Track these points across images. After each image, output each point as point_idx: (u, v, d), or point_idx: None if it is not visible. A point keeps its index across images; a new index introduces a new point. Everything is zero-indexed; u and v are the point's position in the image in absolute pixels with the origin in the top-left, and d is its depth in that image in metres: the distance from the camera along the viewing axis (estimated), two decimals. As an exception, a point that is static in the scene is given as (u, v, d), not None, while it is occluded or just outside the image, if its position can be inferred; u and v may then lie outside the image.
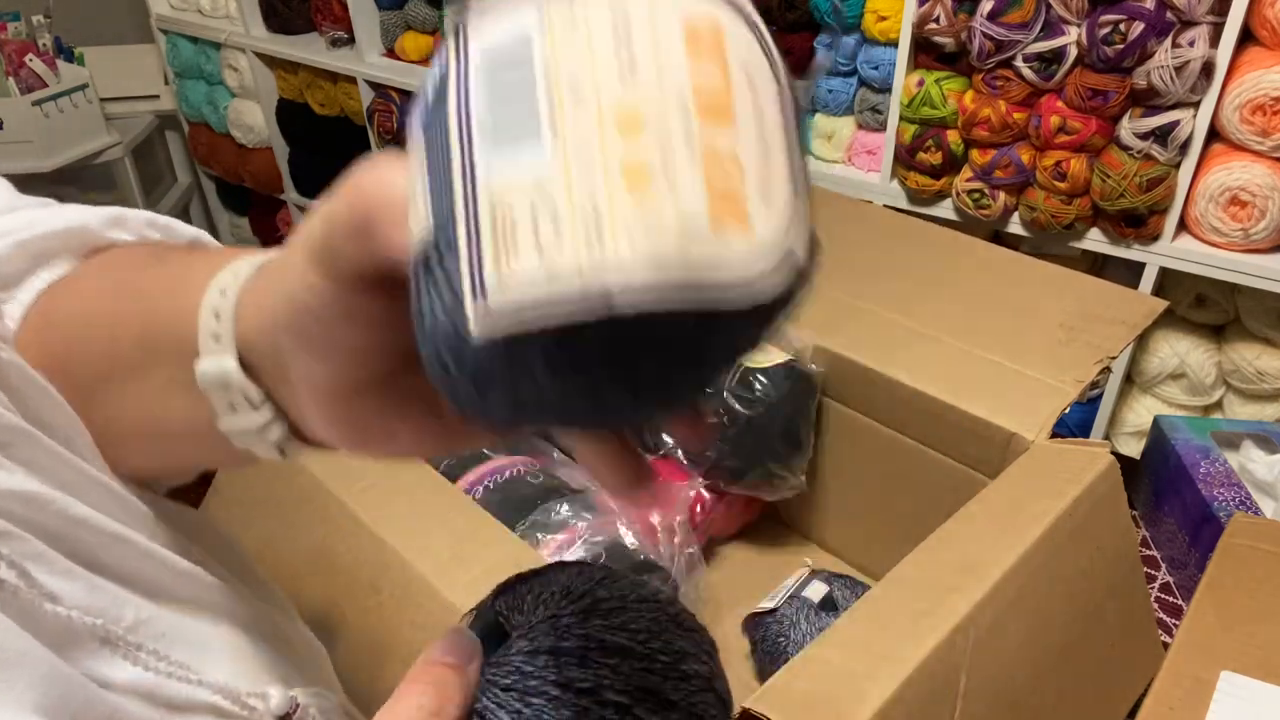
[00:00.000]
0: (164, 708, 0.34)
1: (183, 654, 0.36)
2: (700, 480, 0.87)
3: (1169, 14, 1.15)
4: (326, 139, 2.19)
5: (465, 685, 0.29)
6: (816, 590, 0.78)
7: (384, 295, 0.25)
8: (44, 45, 2.08)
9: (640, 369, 0.20)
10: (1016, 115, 1.29)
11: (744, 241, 0.18)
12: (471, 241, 0.18)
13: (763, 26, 0.20)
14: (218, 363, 0.30)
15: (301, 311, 0.26)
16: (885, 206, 1.42)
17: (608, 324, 0.18)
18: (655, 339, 0.19)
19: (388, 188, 0.23)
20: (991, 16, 1.23)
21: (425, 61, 1.99)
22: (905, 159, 1.42)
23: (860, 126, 1.50)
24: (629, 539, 0.75)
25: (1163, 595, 0.89)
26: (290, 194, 2.38)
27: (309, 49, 2.09)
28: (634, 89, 0.18)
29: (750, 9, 0.20)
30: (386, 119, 1.97)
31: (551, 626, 0.30)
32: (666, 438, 0.88)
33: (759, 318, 0.20)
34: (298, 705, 0.41)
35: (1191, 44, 1.14)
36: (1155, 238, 1.29)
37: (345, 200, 0.24)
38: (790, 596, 0.78)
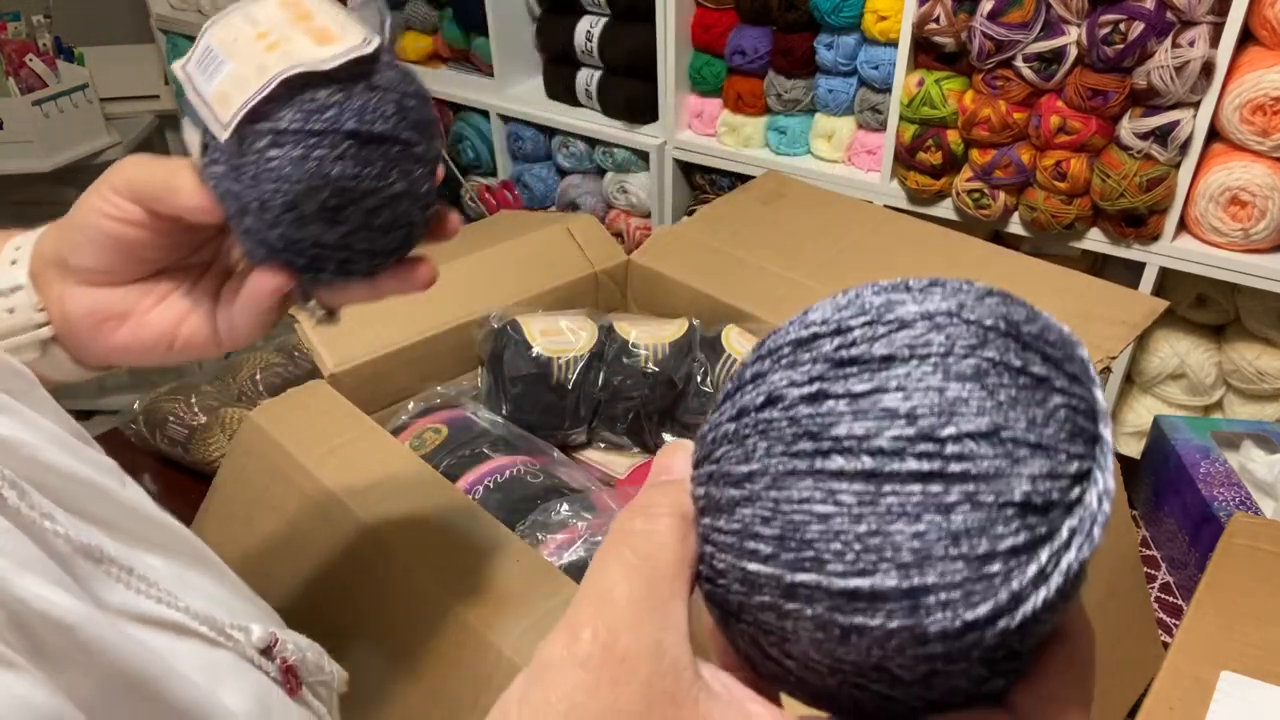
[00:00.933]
0: (154, 628, 0.37)
1: (167, 585, 0.38)
2: (700, 480, 0.87)
3: (1169, 14, 1.15)
4: (326, 139, 2.19)
5: None
6: (816, 590, 0.78)
7: (155, 220, 0.40)
8: (44, 45, 2.08)
9: (322, 128, 0.36)
10: (1016, 115, 1.29)
11: (336, 44, 0.37)
12: (213, 118, 0.37)
13: None
14: (14, 276, 0.42)
15: (102, 225, 0.40)
16: (885, 206, 1.42)
17: (281, 97, 0.36)
18: (310, 106, 0.36)
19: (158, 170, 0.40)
20: (991, 16, 1.23)
21: (426, 61, 1.99)
22: (905, 159, 1.42)
23: (860, 126, 1.50)
24: (629, 539, 0.75)
25: (1163, 595, 0.89)
26: (290, 194, 2.38)
27: (309, 49, 2.09)
28: (258, 24, 0.38)
29: None
30: (386, 119, 1.97)
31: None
32: (667, 437, 0.88)
33: (350, 80, 0.37)
34: (277, 639, 0.43)
35: (1191, 44, 1.14)
36: (1155, 238, 1.29)
37: (148, 172, 0.40)
38: (790, 596, 0.78)
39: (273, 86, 0.35)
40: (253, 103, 0.35)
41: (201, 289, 0.45)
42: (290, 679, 0.44)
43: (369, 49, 0.37)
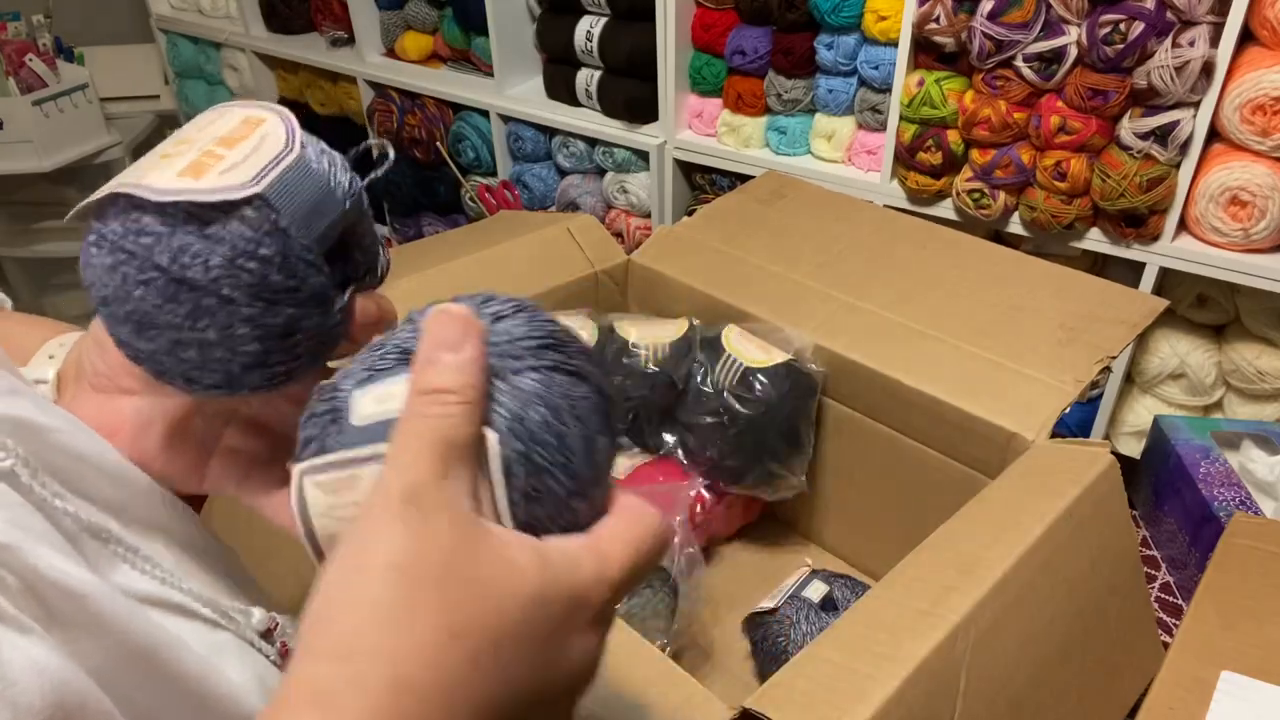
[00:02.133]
0: (158, 608, 0.38)
1: (170, 568, 0.39)
2: (700, 480, 0.87)
3: (1169, 14, 1.15)
4: (326, 139, 2.16)
5: None
6: (816, 590, 0.78)
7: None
8: (44, 45, 2.08)
9: (180, 263, 0.36)
10: (1016, 115, 1.29)
11: (187, 183, 0.35)
12: None
13: (297, 135, 0.39)
14: (44, 370, 0.42)
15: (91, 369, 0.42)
16: (885, 206, 1.42)
17: (116, 208, 0.36)
18: (133, 227, 0.36)
19: None
20: (991, 16, 1.23)
21: (425, 61, 1.99)
22: (905, 159, 1.42)
23: (860, 126, 1.50)
24: (629, 539, 0.75)
25: (1163, 595, 0.89)
26: (290, 194, 2.38)
27: (309, 49, 2.09)
28: (198, 134, 0.38)
29: (291, 122, 0.39)
30: (386, 119, 1.97)
31: None
32: (667, 437, 0.88)
33: (183, 219, 0.36)
34: (276, 623, 0.45)
35: (1191, 44, 1.14)
36: (1155, 238, 1.29)
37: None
38: (790, 596, 0.78)
39: (102, 195, 0.36)
40: (89, 200, 0.37)
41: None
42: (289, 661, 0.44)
43: (220, 197, 0.35)
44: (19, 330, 0.46)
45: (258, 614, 0.44)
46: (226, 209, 0.36)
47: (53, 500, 0.34)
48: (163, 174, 0.36)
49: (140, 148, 2.37)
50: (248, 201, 0.36)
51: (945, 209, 1.44)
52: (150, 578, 0.38)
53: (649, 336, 0.86)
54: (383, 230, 2.20)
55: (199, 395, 0.39)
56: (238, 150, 0.37)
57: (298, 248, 0.37)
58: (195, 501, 0.45)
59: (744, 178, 1.59)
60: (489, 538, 0.29)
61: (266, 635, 0.44)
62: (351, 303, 0.41)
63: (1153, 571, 0.92)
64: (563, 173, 1.84)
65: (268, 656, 0.44)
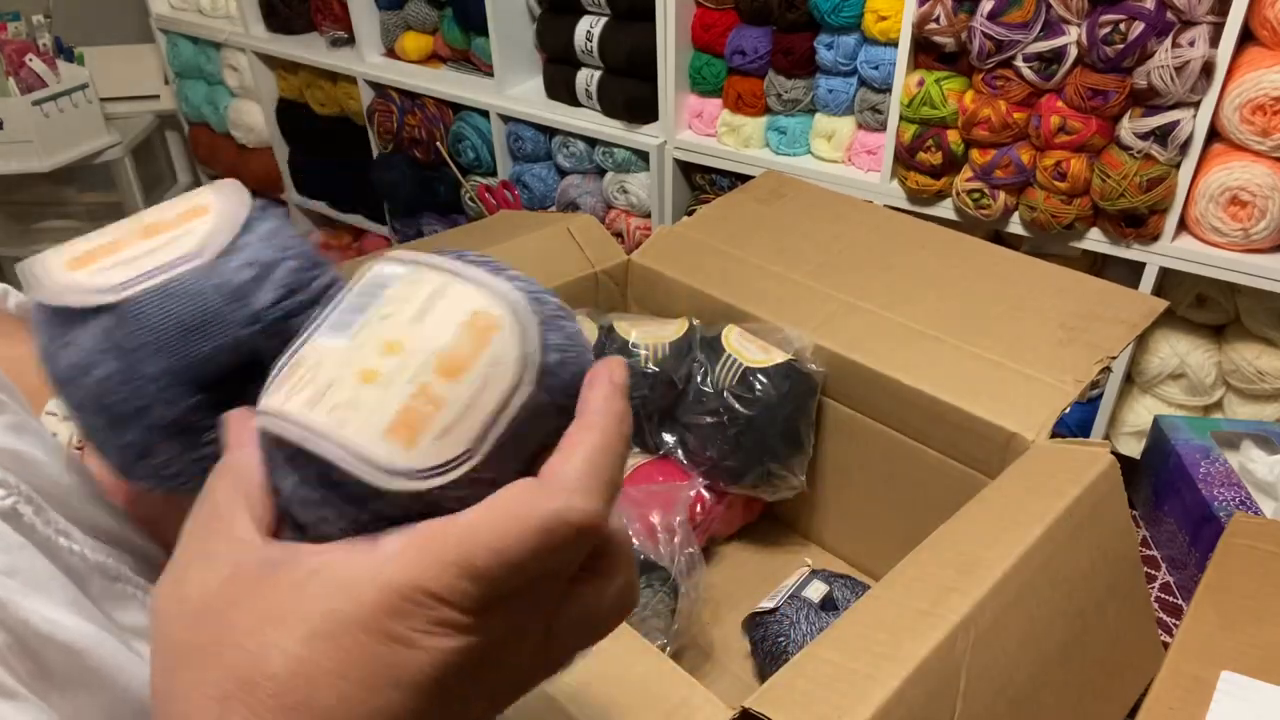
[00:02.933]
0: None
1: None
2: (700, 480, 0.87)
3: (1169, 14, 1.15)
4: (326, 139, 2.19)
5: None
6: (816, 590, 0.78)
7: None
8: (44, 45, 2.08)
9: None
10: (1016, 115, 1.29)
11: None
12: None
13: (219, 239, 0.32)
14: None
15: None
16: (885, 206, 1.42)
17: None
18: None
19: None
20: (991, 16, 1.23)
21: (425, 61, 1.99)
22: (905, 159, 1.42)
23: (860, 126, 1.50)
24: (629, 539, 0.75)
25: (1163, 595, 0.89)
26: (290, 194, 2.38)
27: (309, 49, 2.09)
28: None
29: (227, 220, 0.33)
30: (386, 119, 1.97)
31: None
32: (667, 437, 0.88)
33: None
34: None
35: (1191, 44, 1.14)
36: (1155, 238, 1.29)
37: None
38: (790, 596, 0.78)
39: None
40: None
41: None
42: None
43: (72, 301, 0.31)
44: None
45: None
46: (82, 314, 0.31)
47: (57, 539, 0.33)
48: (56, 258, 0.32)
49: (140, 148, 2.37)
50: (98, 311, 0.31)
51: (945, 209, 1.44)
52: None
53: (649, 336, 0.86)
54: (382, 230, 2.20)
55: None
56: (147, 243, 0.32)
57: (147, 372, 0.31)
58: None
59: (744, 178, 1.59)
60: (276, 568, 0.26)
61: None
62: None
63: (1153, 571, 0.92)
64: (563, 173, 1.84)
65: None
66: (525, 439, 0.28)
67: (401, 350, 0.27)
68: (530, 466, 0.28)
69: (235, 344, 0.32)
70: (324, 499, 0.27)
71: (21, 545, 0.31)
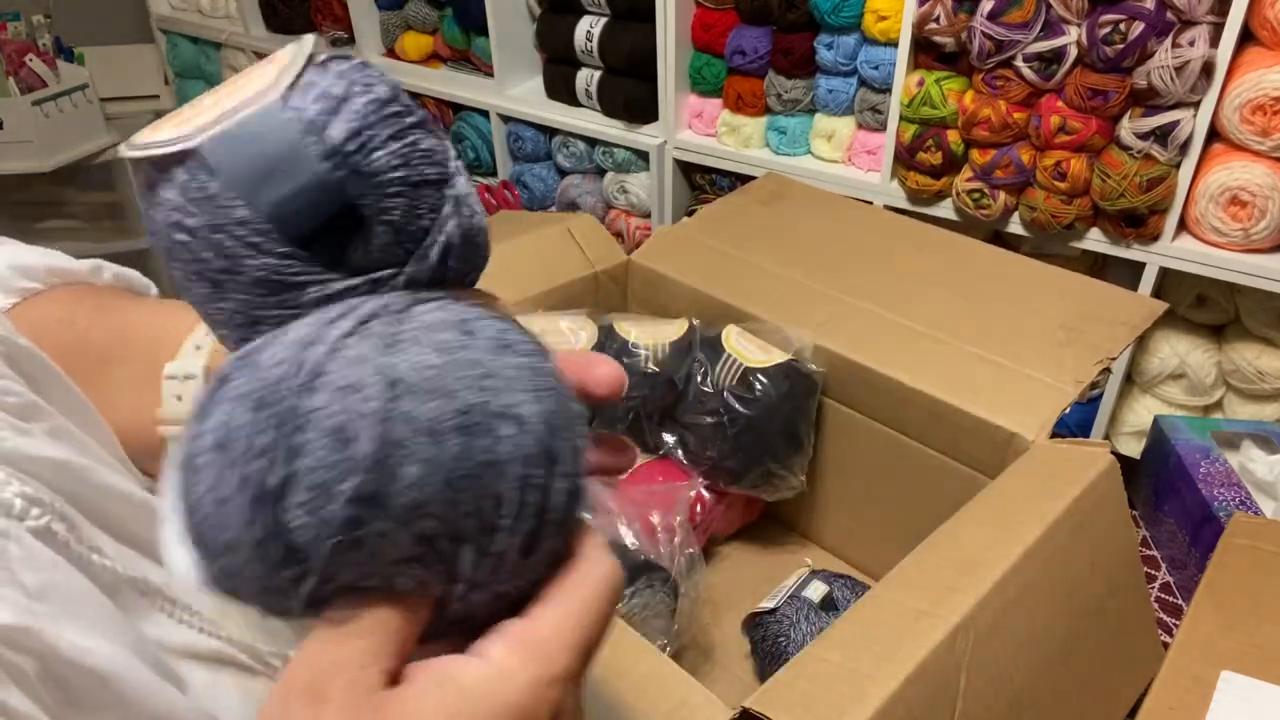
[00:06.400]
0: (196, 660, 0.37)
1: (210, 614, 0.38)
2: (700, 480, 0.87)
3: (1169, 14, 1.15)
4: (326, 139, 2.19)
5: None
6: (816, 590, 0.78)
7: None
8: (44, 45, 2.08)
9: None
10: (1016, 115, 1.29)
11: (155, 133, 0.30)
12: None
13: (288, 76, 0.31)
14: (192, 363, 0.41)
15: None
16: (885, 206, 1.42)
17: None
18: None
19: None
20: (991, 16, 1.23)
21: (425, 61, 1.99)
22: (905, 159, 1.42)
23: (860, 126, 1.50)
24: (629, 539, 0.75)
25: (1163, 595, 0.89)
26: (290, 194, 2.38)
27: (309, 49, 2.09)
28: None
29: (297, 59, 0.31)
30: (386, 119, 1.97)
31: None
32: (667, 437, 0.88)
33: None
34: None
35: (1191, 44, 1.14)
36: (1155, 238, 1.29)
37: None
38: (790, 596, 0.78)
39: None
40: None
41: None
42: None
43: (148, 153, 0.30)
44: (160, 319, 0.44)
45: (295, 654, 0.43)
46: (161, 167, 0.30)
47: (90, 556, 0.33)
48: (151, 127, 0.31)
49: (140, 148, 2.37)
50: (178, 159, 0.29)
51: (945, 209, 1.44)
52: (188, 627, 0.37)
53: (649, 336, 0.86)
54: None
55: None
56: (225, 95, 0.31)
57: (231, 219, 0.29)
58: None
59: (744, 178, 1.59)
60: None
61: None
62: (377, 290, 0.32)
63: (1153, 571, 0.92)
64: (563, 173, 1.84)
65: None
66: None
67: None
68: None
69: (320, 184, 0.30)
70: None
71: (54, 563, 0.31)
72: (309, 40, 0.32)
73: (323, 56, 0.32)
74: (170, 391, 0.41)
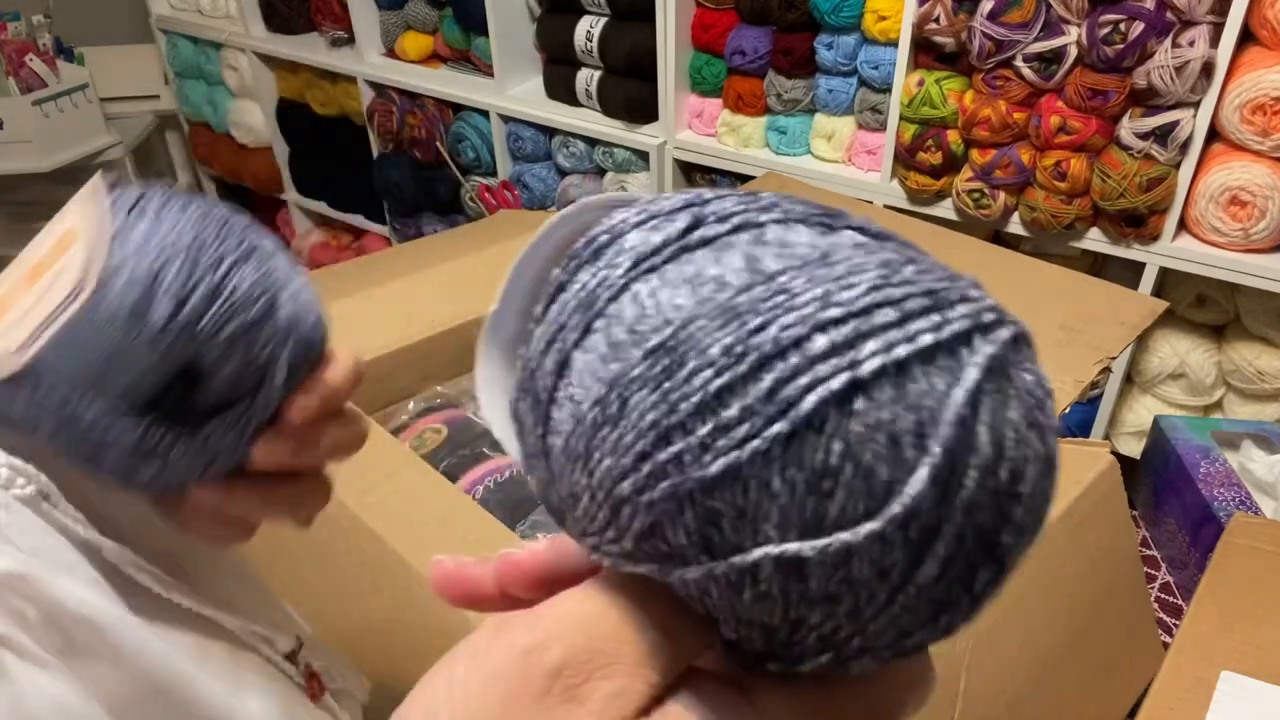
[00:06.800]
0: (185, 628, 0.37)
1: (196, 586, 0.39)
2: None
3: (1169, 14, 1.15)
4: (326, 139, 2.19)
5: None
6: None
7: None
8: (44, 45, 2.08)
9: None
10: (1016, 115, 1.29)
11: None
12: None
13: (95, 265, 0.30)
14: None
15: None
16: (885, 206, 1.42)
17: None
18: None
19: None
20: (991, 16, 1.23)
21: (425, 61, 1.99)
22: (905, 159, 1.42)
23: (860, 126, 1.50)
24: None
25: (1163, 595, 0.89)
26: (290, 194, 2.38)
27: (309, 49, 2.09)
28: (36, 249, 0.33)
29: (98, 238, 0.31)
30: (386, 119, 1.97)
31: None
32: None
33: None
34: (301, 644, 0.44)
35: (1191, 44, 1.14)
36: (1155, 238, 1.29)
37: None
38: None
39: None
40: None
41: None
42: (313, 684, 0.45)
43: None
44: None
45: (282, 637, 0.43)
46: (5, 384, 0.31)
47: (75, 527, 0.34)
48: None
49: (140, 148, 2.37)
50: (15, 379, 0.31)
51: (945, 209, 1.44)
52: (178, 593, 0.38)
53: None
54: (382, 230, 2.20)
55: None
56: (33, 292, 0.31)
57: (88, 417, 0.31)
58: None
59: (744, 178, 1.59)
60: None
61: (291, 657, 0.44)
62: (237, 428, 0.34)
63: (1153, 571, 0.92)
64: (563, 173, 1.84)
65: (292, 678, 0.43)
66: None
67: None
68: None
69: (156, 362, 0.31)
70: None
71: (45, 529, 0.32)
72: (103, 200, 0.32)
73: (123, 213, 0.32)
74: None
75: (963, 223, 1.42)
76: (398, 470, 0.65)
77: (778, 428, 0.19)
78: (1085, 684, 0.64)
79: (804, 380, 0.19)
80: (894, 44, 1.36)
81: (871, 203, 1.44)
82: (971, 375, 0.19)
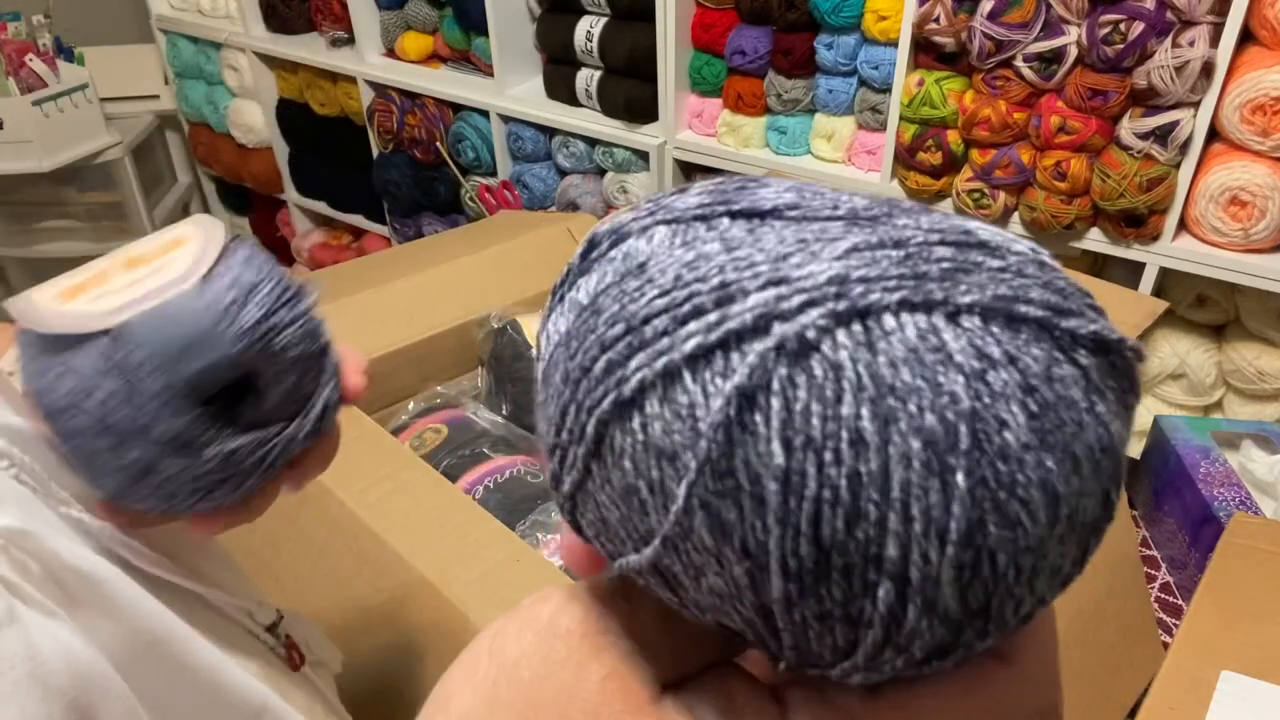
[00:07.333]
0: (172, 597, 0.38)
1: (178, 565, 0.40)
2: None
3: (1169, 14, 1.15)
4: (326, 139, 2.19)
5: None
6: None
7: None
8: (44, 45, 2.08)
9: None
10: (1016, 115, 1.29)
11: (50, 302, 0.35)
12: None
13: (201, 266, 0.36)
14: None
15: None
16: (885, 206, 1.42)
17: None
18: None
19: None
20: (991, 16, 1.23)
21: (425, 61, 1.99)
22: (905, 159, 1.42)
23: (860, 126, 1.50)
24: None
25: (1163, 595, 0.89)
26: (290, 194, 2.38)
27: (309, 49, 2.09)
28: (134, 247, 0.38)
29: (207, 249, 0.36)
30: (386, 119, 1.97)
31: None
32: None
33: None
34: (281, 617, 0.46)
35: (1191, 44, 1.14)
36: (1155, 238, 1.29)
37: None
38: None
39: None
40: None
41: None
42: (294, 654, 0.46)
43: (67, 329, 0.34)
44: None
45: (262, 610, 0.45)
46: (81, 338, 0.34)
47: (58, 507, 0.35)
48: (46, 293, 0.35)
49: (140, 148, 2.37)
50: (96, 336, 0.34)
51: (945, 209, 1.44)
52: (159, 568, 0.39)
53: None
54: (382, 230, 2.20)
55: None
56: (132, 274, 0.36)
57: (150, 389, 0.34)
58: None
59: (744, 178, 1.59)
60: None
61: (272, 629, 0.45)
62: (265, 445, 0.37)
63: (1153, 571, 0.92)
64: (563, 173, 1.84)
65: (273, 649, 0.45)
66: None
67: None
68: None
69: (228, 360, 0.35)
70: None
71: (32, 498, 0.34)
72: (219, 226, 0.38)
73: (223, 240, 0.37)
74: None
75: (963, 223, 1.42)
76: (398, 470, 0.65)
77: (582, 451, 0.20)
78: (1085, 684, 0.64)
79: (588, 403, 0.20)
80: (894, 44, 1.36)
81: (871, 203, 1.44)
82: (741, 373, 0.18)
